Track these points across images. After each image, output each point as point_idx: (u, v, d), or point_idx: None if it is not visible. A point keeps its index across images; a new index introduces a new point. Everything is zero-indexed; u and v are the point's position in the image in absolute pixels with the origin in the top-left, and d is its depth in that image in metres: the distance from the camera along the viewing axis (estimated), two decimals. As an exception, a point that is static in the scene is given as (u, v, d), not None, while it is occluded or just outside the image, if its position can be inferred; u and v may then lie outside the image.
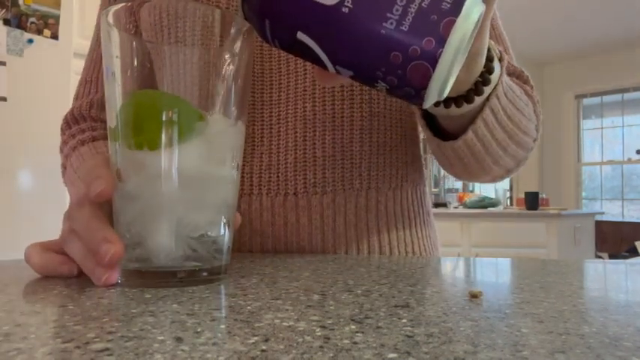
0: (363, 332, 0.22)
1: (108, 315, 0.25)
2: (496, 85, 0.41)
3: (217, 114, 0.34)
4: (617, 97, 5.23)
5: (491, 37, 0.47)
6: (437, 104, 0.41)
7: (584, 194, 5.47)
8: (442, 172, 4.74)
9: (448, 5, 0.25)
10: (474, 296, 0.29)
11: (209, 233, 0.34)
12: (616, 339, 0.21)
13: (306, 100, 0.55)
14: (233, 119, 0.35)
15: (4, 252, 1.07)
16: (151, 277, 0.32)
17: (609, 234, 4.95)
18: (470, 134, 0.44)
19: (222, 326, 0.23)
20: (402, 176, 0.59)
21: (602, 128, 5.42)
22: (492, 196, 3.99)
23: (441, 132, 0.48)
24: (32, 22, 2.01)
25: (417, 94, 0.28)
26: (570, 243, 3.53)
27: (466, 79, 0.39)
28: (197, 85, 0.34)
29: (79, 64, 0.83)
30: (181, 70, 0.34)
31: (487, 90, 0.41)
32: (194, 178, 0.33)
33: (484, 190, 4.56)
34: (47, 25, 2.06)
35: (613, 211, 5.30)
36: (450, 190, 4.80)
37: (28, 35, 2.00)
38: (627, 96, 5.17)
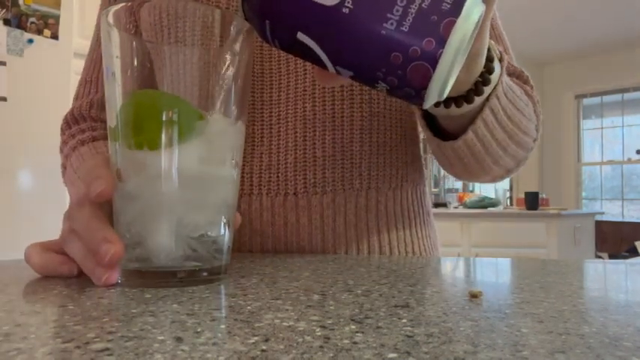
0: (363, 332, 0.22)
1: (108, 315, 0.25)
2: (496, 86, 0.41)
3: (217, 114, 0.34)
4: (617, 97, 5.23)
5: (491, 37, 0.47)
6: (437, 104, 0.41)
7: (584, 194, 5.47)
8: (442, 172, 4.74)
9: (448, 6, 0.26)
10: (474, 296, 0.29)
11: (209, 233, 0.34)
12: (616, 339, 0.21)
13: (306, 100, 0.55)
14: (233, 119, 0.35)
15: (4, 252, 1.07)
16: (151, 277, 0.32)
17: (609, 234, 4.95)
18: (470, 134, 0.44)
19: (222, 326, 0.23)
20: (402, 176, 0.59)
21: (602, 128, 5.43)
22: (492, 196, 3.99)
23: (441, 132, 0.48)
24: (32, 22, 2.01)
25: (417, 94, 0.28)
26: (570, 243, 3.53)
27: (466, 79, 0.39)
28: (197, 85, 0.34)
29: (79, 64, 0.83)
30: (181, 70, 0.34)
31: (487, 90, 0.41)
32: (194, 178, 0.33)
33: (484, 190, 4.56)
34: (47, 25, 2.06)
35: (613, 211, 5.31)
36: (450, 190, 4.79)
37: (28, 35, 2.00)
38: (627, 96, 5.17)
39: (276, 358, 0.18)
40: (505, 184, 4.68)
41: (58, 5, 2.10)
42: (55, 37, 2.09)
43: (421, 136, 0.62)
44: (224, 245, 0.35)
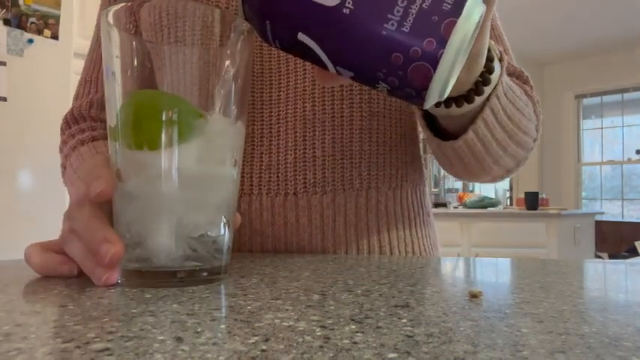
0: (363, 332, 0.22)
1: (108, 315, 0.25)
2: (496, 85, 0.41)
3: (217, 114, 0.34)
4: (617, 97, 5.23)
5: (491, 38, 0.47)
6: (437, 104, 0.41)
7: (584, 194, 5.47)
8: (442, 172, 4.74)
9: (449, 6, 0.25)
10: (474, 296, 0.29)
11: (209, 233, 0.34)
12: (616, 339, 0.21)
13: (306, 99, 0.55)
14: (233, 119, 0.35)
15: (4, 252, 1.07)
16: (151, 277, 0.32)
17: (609, 234, 4.95)
18: (470, 134, 0.44)
19: (223, 326, 0.23)
20: (402, 176, 0.59)
21: (602, 128, 5.43)
22: (492, 196, 3.99)
23: (441, 132, 0.48)
24: (32, 22, 2.01)
25: (417, 94, 0.28)
26: (570, 243, 3.53)
27: (466, 79, 0.39)
28: (197, 85, 0.34)
29: (79, 64, 0.83)
30: (181, 70, 0.34)
31: (487, 90, 0.41)
32: (194, 178, 0.33)
33: (484, 190, 4.56)
34: (47, 25, 2.06)
35: (613, 211, 5.31)
36: (450, 190, 4.79)
37: (28, 35, 2.00)
38: (627, 96, 5.17)
39: (276, 358, 0.18)
40: (505, 184, 4.68)
41: (58, 5, 2.10)
42: (55, 37, 2.09)
43: (421, 136, 0.62)
44: (224, 245, 0.35)
